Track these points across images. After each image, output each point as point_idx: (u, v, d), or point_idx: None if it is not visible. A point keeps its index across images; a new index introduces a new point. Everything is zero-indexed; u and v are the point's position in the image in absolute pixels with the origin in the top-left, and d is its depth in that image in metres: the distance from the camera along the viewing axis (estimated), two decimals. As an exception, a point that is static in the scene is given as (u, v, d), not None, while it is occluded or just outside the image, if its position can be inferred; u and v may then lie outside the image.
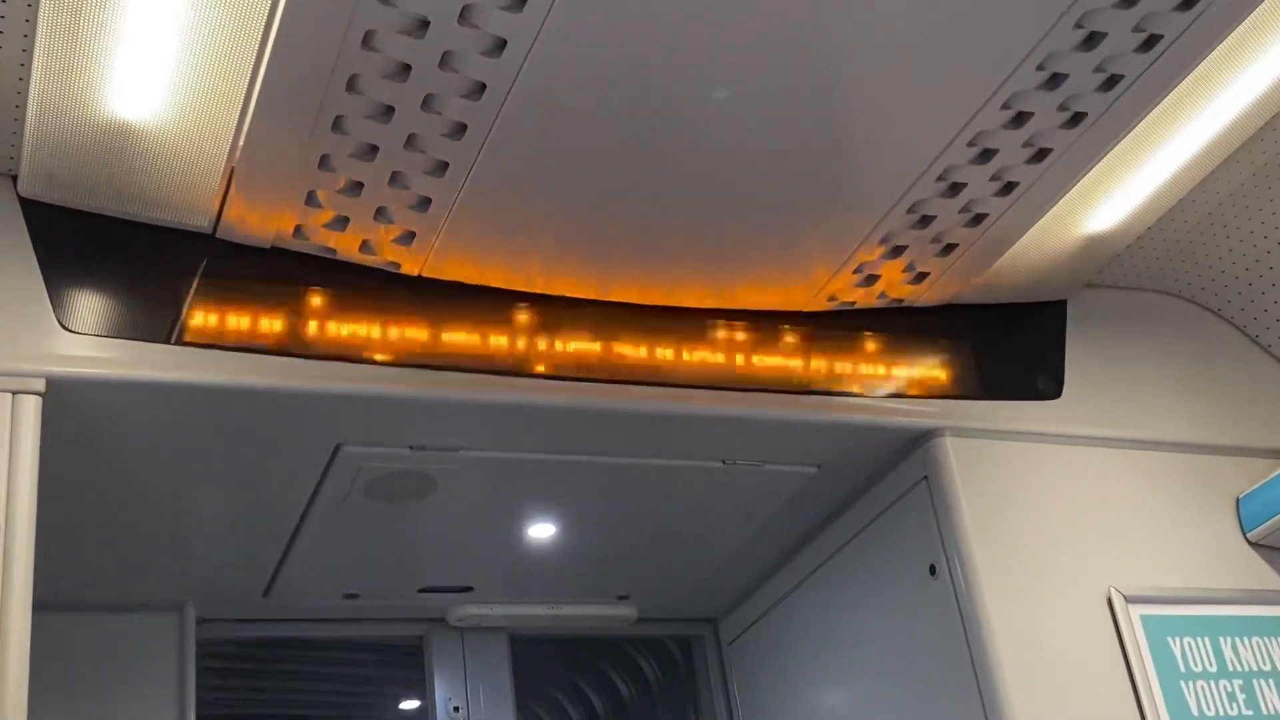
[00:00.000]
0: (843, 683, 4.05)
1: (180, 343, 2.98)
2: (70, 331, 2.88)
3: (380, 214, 3.04)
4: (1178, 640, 3.51)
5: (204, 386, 2.99)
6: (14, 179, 2.96)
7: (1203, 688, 3.47)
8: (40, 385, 2.79)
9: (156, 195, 2.94)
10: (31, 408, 2.76)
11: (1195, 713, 3.42)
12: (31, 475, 2.70)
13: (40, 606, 2.66)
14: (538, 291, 3.33)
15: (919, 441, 3.60)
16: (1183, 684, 3.45)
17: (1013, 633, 3.35)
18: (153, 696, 3.78)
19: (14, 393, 2.76)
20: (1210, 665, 3.51)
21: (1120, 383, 3.89)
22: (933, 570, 3.52)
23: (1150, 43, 2.83)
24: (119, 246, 3.00)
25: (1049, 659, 3.36)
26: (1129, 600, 3.49)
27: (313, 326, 3.10)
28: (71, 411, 2.87)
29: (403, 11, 2.50)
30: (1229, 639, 3.56)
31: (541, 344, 3.30)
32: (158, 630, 3.87)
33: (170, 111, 2.74)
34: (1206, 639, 3.54)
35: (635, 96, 2.78)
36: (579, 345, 3.34)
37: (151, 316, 2.98)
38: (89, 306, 2.94)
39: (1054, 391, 3.79)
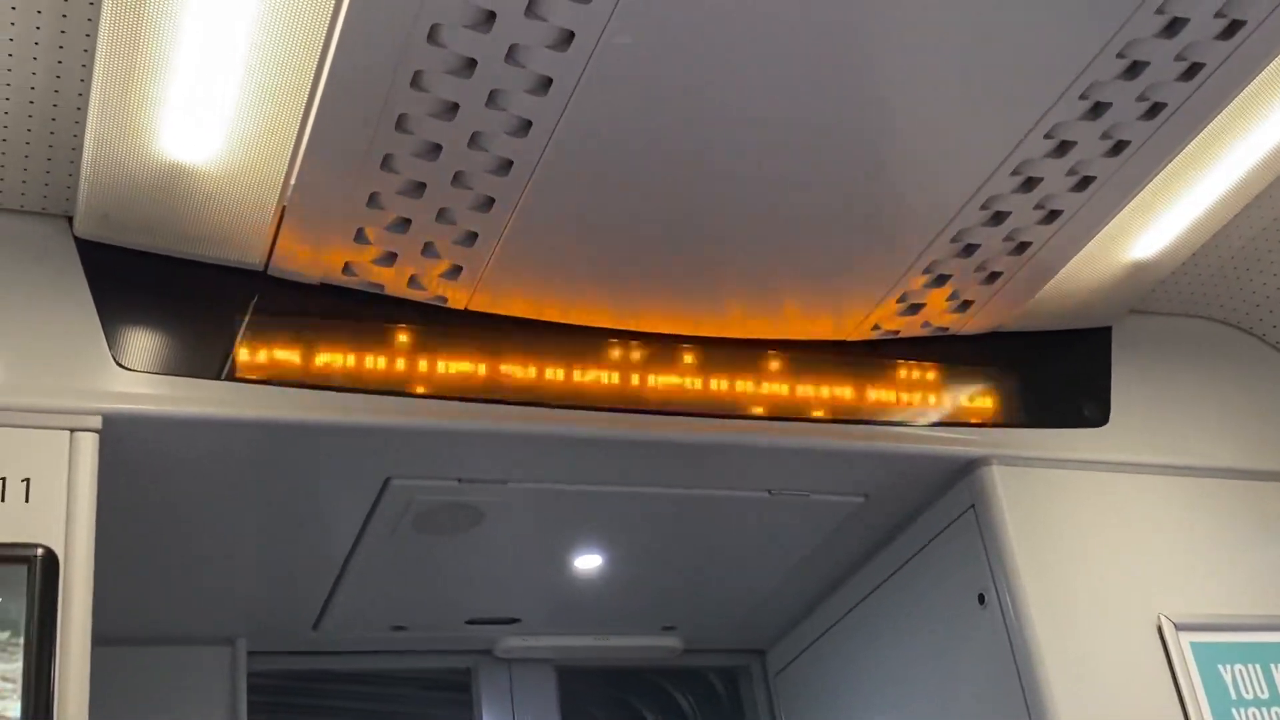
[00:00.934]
0: (892, 712, 4.04)
1: (232, 378, 3.03)
2: (125, 369, 2.93)
3: (428, 249, 3.08)
4: (1229, 667, 3.49)
5: (255, 422, 3.03)
6: (70, 220, 3.02)
7: (1254, 715, 3.44)
8: (97, 423, 2.84)
9: (209, 234, 2.99)
10: (89, 445, 2.81)
11: (1248, 740, 3.40)
12: (89, 511, 2.74)
13: (95, 640, 2.69)
14: (582, 324, 3.36)
15: (966, 470, 3.61)
16: (1234, 711, 3.43)
17: (1063, 661, 3.34)
18: (206, 728, 3.83)
19: (72, 430, 2.81)
20: (1262, 692, 3.48)
21: (1166, 409, 3.89)
22: (981, 599, 3.52)
23: (1192, 71, 2.84)
24: (173, 284, 3.05)
25: (1099, 688, 3.34)
26: (1179, 628, 3.48)
27: (361, 361, 3.14)
28: (127, 448, 2.92)
29: (451, 52, 2.54)
30: (1280, 665, 3.54)
31: (587, 375, 3.33)
32: (210, 663, 3.92)
33: (223, 152, 2.79)
34: (1257, 665, 3.52)
35: (679, 130, 2.81)
36: (624, 376, 3.36)
37: (205, 353, 3.03)
38: (144, 344, 2.99)
39: (1100, 419, 3.79)
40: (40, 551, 2.63)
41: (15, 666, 2.51)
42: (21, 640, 2.54)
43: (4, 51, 2.66)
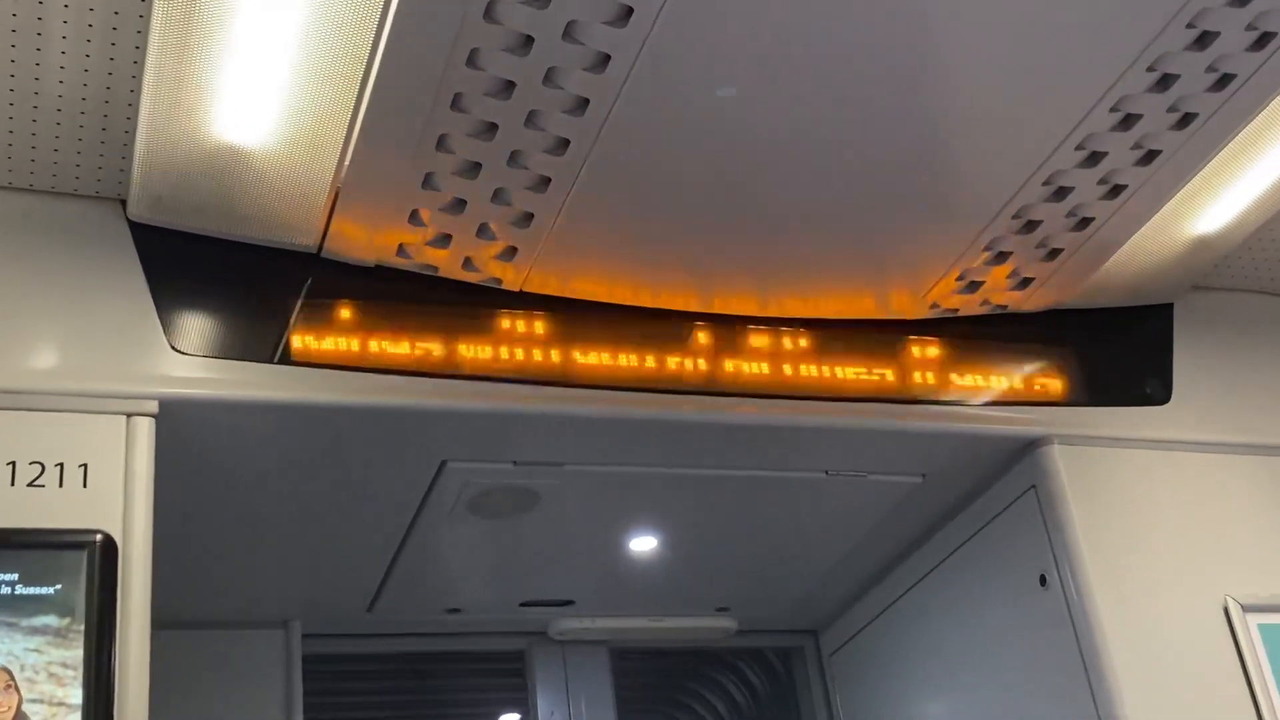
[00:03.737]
0: (948, 694, 4.00)
1: (287, 362, 3.01)
2: (180, 353, 2.92)
3: (482, 231, 3.05)
4: (1297, 649, 3.43)
5: (310, 405, 3.02)
6: (123, 203, 3.01)
7: (1323, 698, 3.39)
8: (154, 407, 2.83)
9: (263, 216, 2.97)
10: (145, 429, 2.80)
11: (1318, 724, 3.34)
12: (147, 496, 2.73)
13: (151, 624, 2.68)
14: (638, 305, 3.32)
15: (1026, 450, 3.56)
16: (1303, 694, 3.37)
17: (1128, 643, 3.30)
18: (261, 711, 3.84)
19: (129, 415, 2.80)
20: (1331, 675, 3.42)
21: (1230, 386, 3.82)
22: (1043, 580, 3.47)
23: (1262, 41, 2.77)
24: (226, 268, 3.04)
25: (1165, 670, 3.30)
26: (1246, 609, 3.42)
27: (416, 344, 3.11)
28: (182, 432, 2.90)
29: (508, 29, 2.51)
30: (1350, 648, 3.47)
31: (643, 358, 3.29)
32: (265, 646, 3.92)
33: (277, 133, 2.76)
34: (1326, 648, 3.46)
35: (736, 109, 2.77)
36: (681, 357, 3.32)
37: (259, 337, 3.01)
38: (198, 328, 2.97)
39: (1163, 397, 3.73)
40: (99, 537, 2.63)
41: (76, 653, 2.50)
42: (82, 627, 2.53)
43: (58, 34, 2.65)
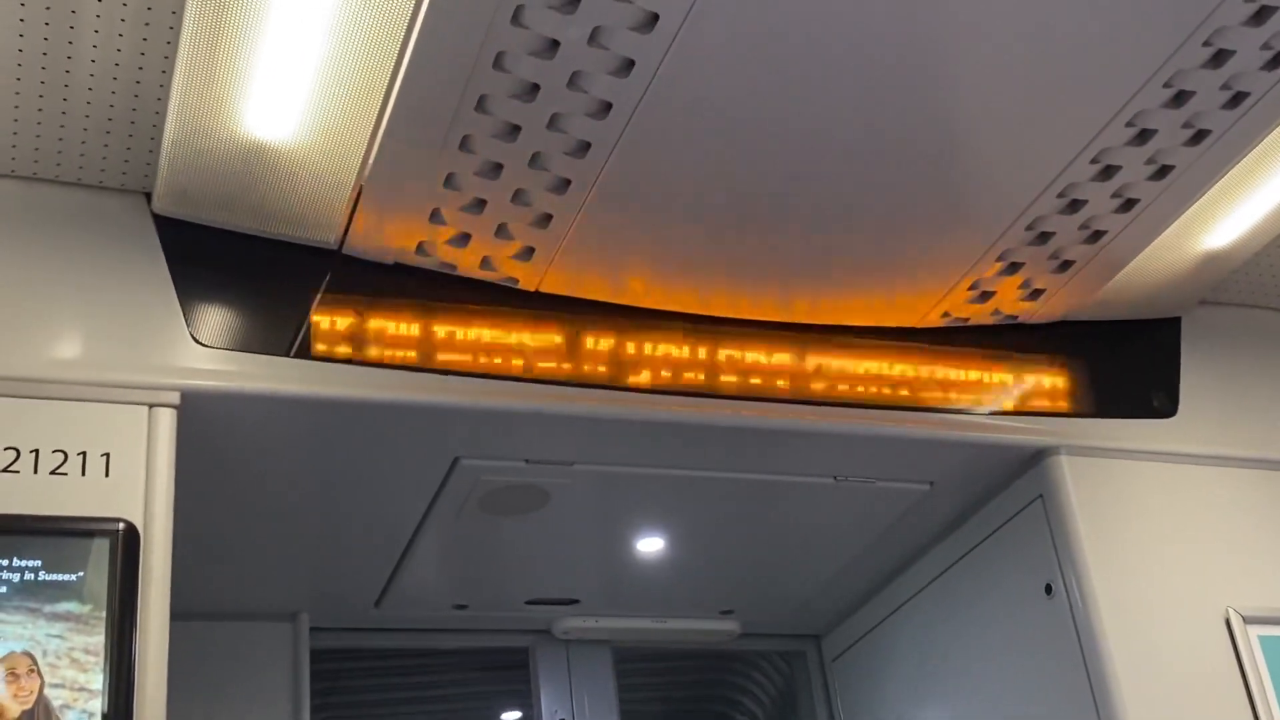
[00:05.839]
0: (950, 702, 4.02)
1: (306, 356, 3.03)
2: (202, 345, 2.95)
3: (501, 231, 3.08)
4: (1297, 662, 3.46)
5: (326, 400, 3.04)
6: (148, 196, 3.04)
7: (1323, 710, 3.41)
8: (175, 398, 2.85)
9: (286, 212, 3.00)
10: (167, 421, 2.83)
11: (1317, 736, 3.37)
12: (168, 486, 2.76)
13: (168, 615, 2.72)
14: (653, 307, 3.35)
15: (1034, 460, 3.58)
16: (1303, 706, 3.40)
17: (1130, 653, 3.33)
18: (268, 703, 3.86)
19: (150, 405, 2.83)
20: (1330, 687, 3.45)
21: (1236, 400, 3.85)
22: (1048, 590, 3.50)
23: (1277, 60, 2.81)
24: (249, 262, 3.06)
25: (1167, 680, 3.33)
26: (1247, 621, 3.45)
27: (432, 341, 3.14)
28: (202, 424, 2.93)
29: (534, 33, 2.54)
30: (1350, 661, 3.50)
31: (657, 359, 3.32)
32: (273, 638, 3.94)
33: (304, 130, 2.79)
34: (1326, 660, 3.48)
35: (755, 116, 2.80)
36: (694, 360, 3.35)
37: (279, 330, 3.04)
38: (220, 321, 3.00)
39: (1169, 409, 3.76)
40: (122, 526, 2.66)
41: (98, 639, 2.53)
42: (104, 614, 2.56)
43: (90, 28, 2.68)
